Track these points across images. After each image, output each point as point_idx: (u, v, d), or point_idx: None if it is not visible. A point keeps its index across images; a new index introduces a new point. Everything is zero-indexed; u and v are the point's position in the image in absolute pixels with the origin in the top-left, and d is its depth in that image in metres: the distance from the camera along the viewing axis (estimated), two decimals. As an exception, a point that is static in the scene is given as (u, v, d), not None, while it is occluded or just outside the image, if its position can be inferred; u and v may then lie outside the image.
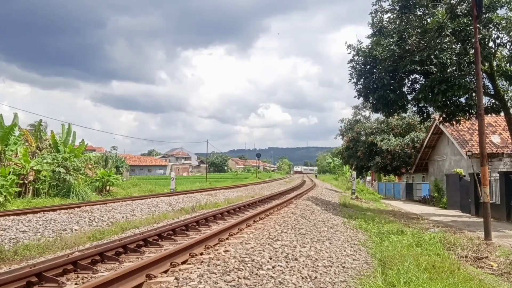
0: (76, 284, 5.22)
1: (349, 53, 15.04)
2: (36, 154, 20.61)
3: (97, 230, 9.94)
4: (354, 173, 30.19)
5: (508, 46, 13.47)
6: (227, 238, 7.73)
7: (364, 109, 38.94)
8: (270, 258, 5.89)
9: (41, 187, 18.06)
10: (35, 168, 18.00)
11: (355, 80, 15.14)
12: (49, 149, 21.41)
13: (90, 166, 24.24)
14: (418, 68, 13.46)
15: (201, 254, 6.35)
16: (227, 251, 6.10)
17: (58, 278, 5.21)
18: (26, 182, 17.71)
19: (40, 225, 9.81)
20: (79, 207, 12.81)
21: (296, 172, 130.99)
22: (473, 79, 12.94)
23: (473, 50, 11.79)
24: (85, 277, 5.50)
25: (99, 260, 6.27)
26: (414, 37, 13.36)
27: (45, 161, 18.59)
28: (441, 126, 22.93)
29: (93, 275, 5.54)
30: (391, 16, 14.68)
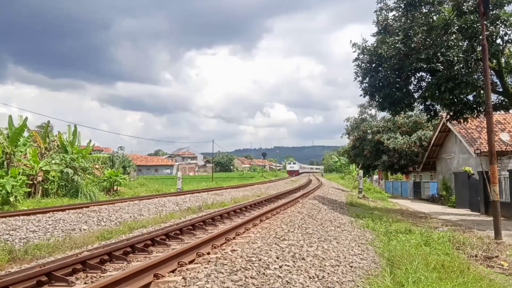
0: (85, 283, 5.28)
1: (354, 52, 14.98)
2: (44, 155, 20.84)
3: (105, 230, 10.03)
4: (361, 172, 30.02)
5: (516, 43, 13.31)
6: (234, 238, 7.75)
7: (370, 108, 38.71)
8: (277, 258, 5.89)
9: (50, 187, 18.26)
10: (44, 168, 18.20)
11: (360, 78, 15.06)
12: (57, 150, 21.64)
13: (97, 167, 24.46)
14: (425, 66, 13.34)
15: (208, 253, 6.37)
16: (234, 250, 6.11)
17: (67, 278, 5.27)
18: (36, 182, 17.92)
19: (50, 225, 9.93)
20: (88, 207, 12.92)
21: (291, 173, 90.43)
22: (481, 77, 12.79)
23: (480, 47, 11.65)
24: (94, 277, 5.56)
25: (107, 260, 6.32)
26: (420, 35, 13.24)
27: (53, 161, 18.79)
28: (448, 124, 22.67)
29: (102, 275, 5.60)
30: (396, 14, 14.58)
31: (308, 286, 4.98)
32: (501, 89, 14.33)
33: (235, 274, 4.81)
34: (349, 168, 59.30)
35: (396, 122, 33.44)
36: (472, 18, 12.61)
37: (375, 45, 14.38)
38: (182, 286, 4.43)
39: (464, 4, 13.06)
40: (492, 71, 13.68)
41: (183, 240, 8.07)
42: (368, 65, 14.76)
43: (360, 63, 14.95)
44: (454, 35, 12.90)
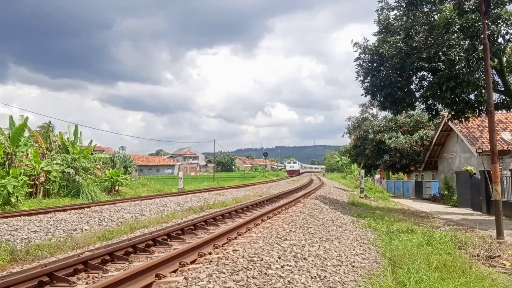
0: (86, 283, 5.28)
1: (355, 51, 14.99)
2: (46, 155, 20.88)
3: (106, 230, 10.04)
4: (363, 171, 29.96)
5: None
6: (235, 238, 7.74)
7: (372, 107, 38.74)
8: (279, 258, 5.88)
9: (51, 187, 18.29)
10: (45, 169, 18.23)
11: (362, 78, 15.05)
12: (59, 150, 21.69)
13: (99, 167, 24.50)
14: (426, 65, 13.32)
15: (210, 253, 6.36)
16: (236, 250, 6.11)
17: (69, 278, 5.27)
18: (37, 182, 17.95)
19: (51, 225, 9.94)
20: (89, 207, 12.94)
21: (291, 173, 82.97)
22: (482, 76, 12.76)
23: (482, 46, 11.62)
24: (96, 277, 5.55)
25: (109, 260, 6.32)
26: (421, 34, 13.22)
27: (55, 162, 18.82)
28: (450, 123, 22.65)
29: (104, 275, 5.59)
30: (398, 13, 14.57)
31: (310, 286, 4.97)
32: (502, 88, 14.29)
33: (237, 274, 4.81)
34: (350, 168, 59.25)
35: (397, 121, 33.42)
36: (473, 17, 12.58)
37: (376, 44, 14.37)
38: (184, 286, 4.43)
39: (465, 3, 13.02)
40: (493, 70, 13.65)
41: (184, 240, 8.07)
42: (369, 64, 14.75)
43: (361, 62, 14.95)
44: (455, 34, 12.87)
